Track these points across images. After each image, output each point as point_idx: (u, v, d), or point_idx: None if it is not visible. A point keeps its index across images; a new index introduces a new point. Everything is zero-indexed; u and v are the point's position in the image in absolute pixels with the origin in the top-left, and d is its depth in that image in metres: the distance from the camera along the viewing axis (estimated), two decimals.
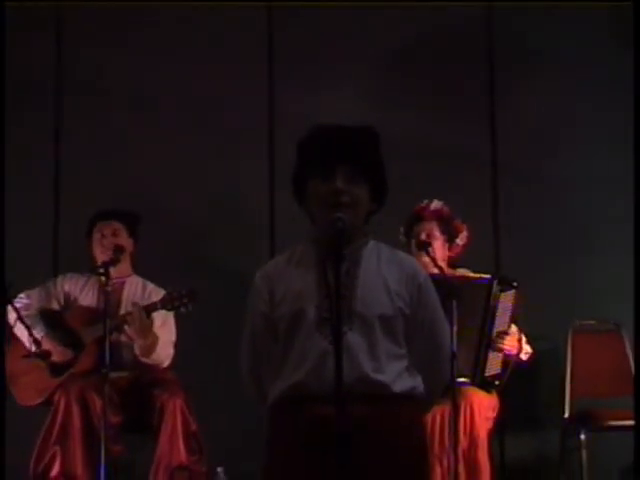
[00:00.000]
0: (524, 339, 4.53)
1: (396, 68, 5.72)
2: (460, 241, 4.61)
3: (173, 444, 4.49)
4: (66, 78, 5.71)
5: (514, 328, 4.48)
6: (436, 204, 4.59)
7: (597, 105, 5.65)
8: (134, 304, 4.62)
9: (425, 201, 4.62)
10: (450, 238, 4.58)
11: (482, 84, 5.74)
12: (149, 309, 4.58)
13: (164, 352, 4.71)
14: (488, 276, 4.46)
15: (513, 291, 4.44)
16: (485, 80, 5.75)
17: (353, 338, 2.72)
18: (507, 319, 4.43)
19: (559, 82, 5.68)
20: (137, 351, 4.65)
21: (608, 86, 5.65)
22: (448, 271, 4.41)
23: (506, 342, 4.41)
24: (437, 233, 4.54)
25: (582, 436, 4.88)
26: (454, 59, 5.73)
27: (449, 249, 4.62)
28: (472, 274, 4.58)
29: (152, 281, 4.92)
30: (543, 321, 5.33)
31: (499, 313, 4.41)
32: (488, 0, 5.75)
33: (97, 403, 4.36)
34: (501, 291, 4.42)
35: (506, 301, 4.43)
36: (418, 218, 4.58)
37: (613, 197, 5.58)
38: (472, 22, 5.77)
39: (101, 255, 4.76)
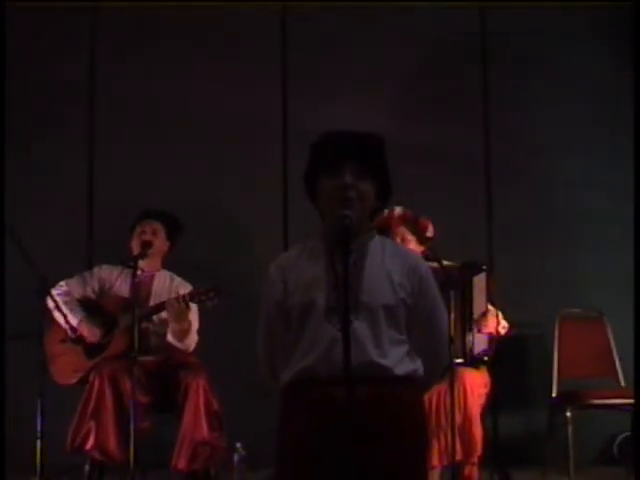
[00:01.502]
0: (500, 315, 4.60)
1: (397, 72, 5.75)
2: (429, 235, 4.62)
3: (196, 421, 4.53)
4: (98, 81, 5.72)
5: (491, 307, 4.54)
6: (398, 211, 4.55)
7: (595, 108, 5.67)
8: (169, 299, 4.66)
9: (386, 211, 4.48)
10: (420, 236, 4.57)
11: (478, 88, 5.76)
12: (179, 301, 4.61)
13: (193, 338, 4.77)
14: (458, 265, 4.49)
15: (484, 274, 4.51)
16: (481, 84, 5.77)
17: (359, 326, 2.72)
18: (484, 300, 4.50)
19: (557, 84, 5.71)
20: (170, 335, 4.68)
21: (604, 90, 5.67)
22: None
23: (488, 322, 4.48)
24: (409, 236, 4.55)
25: (568, 413, 4.92)
26: (452, 65, 5.75)
27: (422, 245, 4.58)
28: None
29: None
30: (533, 310, 5.39)
31: (476, 295, 4.46)
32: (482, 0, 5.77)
33: (127, 384, 4.39)
34: (473, 275, 4.47)
35: (480, 284, 4.49)
36: (387, 227, 4.50)
37: (600, 197, 5.59)
38: (470, 26, 5.80)
39: (136, 249, 4.79)
